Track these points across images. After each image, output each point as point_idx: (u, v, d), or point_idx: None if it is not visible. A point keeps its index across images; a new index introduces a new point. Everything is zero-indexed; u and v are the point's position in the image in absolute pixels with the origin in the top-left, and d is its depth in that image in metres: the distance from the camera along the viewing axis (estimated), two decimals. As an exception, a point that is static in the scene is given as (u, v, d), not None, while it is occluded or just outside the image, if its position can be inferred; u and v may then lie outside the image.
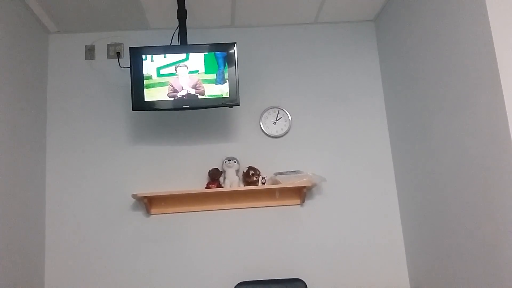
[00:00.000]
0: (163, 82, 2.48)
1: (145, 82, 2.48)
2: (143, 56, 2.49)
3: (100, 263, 2.67)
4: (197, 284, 2.67)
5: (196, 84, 2.48)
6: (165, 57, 2.50)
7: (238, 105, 2.52)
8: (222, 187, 2.69)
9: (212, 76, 2.49)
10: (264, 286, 2.60)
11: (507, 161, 1.70)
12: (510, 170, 1.69)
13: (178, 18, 2.61)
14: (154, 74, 2.49)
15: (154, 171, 2.79)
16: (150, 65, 2.49)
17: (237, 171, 2.72)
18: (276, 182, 2.64)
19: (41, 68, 2.78)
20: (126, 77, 2.86)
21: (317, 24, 3.01)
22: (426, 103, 2.35)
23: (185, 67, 2.49)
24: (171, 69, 2.49)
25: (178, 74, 2.49)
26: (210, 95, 2.47)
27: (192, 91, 2.48)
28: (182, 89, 2.48)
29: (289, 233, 2.75)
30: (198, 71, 2.50)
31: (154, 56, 2.49)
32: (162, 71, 2.49)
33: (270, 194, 2.77)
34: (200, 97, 2.48)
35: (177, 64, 2.50)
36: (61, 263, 2.66)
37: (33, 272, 2.51)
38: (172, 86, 2.48)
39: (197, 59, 2.50)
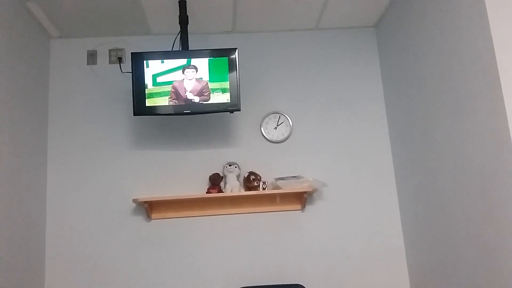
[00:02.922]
0: (159, 92, 2.47)
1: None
2: (144, 62, 2.49)
3: (100, 267, 2.66)
4: (198, 289, 2.67)
5: (203, 89, 2.46)
6: (162, 62, 2.49)
7: (239, 110, 2.52)
8: (222, 192, 2.69)
9: (220, 85, 2.48)
10: (265, 291, 2.59)
11: (507, 165, 1.70)
12: (510, 173, 1.69)
13: (179, 24, 2.61)
14: (149, 82, 2.48)
15: (154, 176, 2.79)
16: (145, 71, 2.48)
17: (238, 176, 2.72)
18: (277, 187, 2.64)
19: (43, 72, 2.79)
20: (127, 82, 2.87)
21: (318, 30, 3.02)
22: (427, 108, 2.35)
23: (194, 70, 2.48)
24: (171, 76, 2.48)
25: (185, 77, 2.48)
26: (213, 102, 2.48)
27: (196, 99, 2.47)
28: (186, 95, 2.47)
29: (289, 238, 2.75)
30: (202, 78, 2.49)
31: (150, 62, 2.49)
32: (159, 79, 2.48)
33: (270, 199, 2.77)
34: (203, 102, 2.47)
35: (187, 65, 2.49)
36: (62, 268, 2.65)
37: (34, 277, 2.51)
38: (175, 90, 2.47)
39: (200, 66, 2.50)
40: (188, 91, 2.47)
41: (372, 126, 2.91)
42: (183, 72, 2.48)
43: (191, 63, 2.48)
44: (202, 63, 2.49)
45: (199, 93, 2.48)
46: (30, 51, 2.62)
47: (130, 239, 2.70)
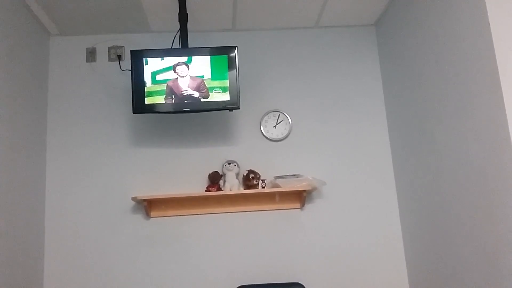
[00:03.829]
0: (158, 91, 2.46)
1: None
2: (144, 59, 2.49)
3: (99, 266, 2.66)
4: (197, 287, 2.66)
5: (200, 87, 2.46)
6: (162, 59, 2.48)
7: (239, 109, 2.52)
8: (222, 190, 2.69)
9: (220, 83, 2.47)
10: (264, 290, 2.59)
11: (507, 165, 1.70)
12: (510, 173, 1.69)
13: (179, 21, 2.61)
14: (149, 80, 2.47)
15: (154, 174, 2.78)
16: (145, 69, 2.47)
17: (237, 175, 2.72)
18: (276, 186, 2.64)
19: (42, 70, 2.78)
20: (127, 79, 2.86)
21: (318, 28, 3.02)
22: (427, 107, 2.35)
23: (186, 66, 2.47)
24: (168, 75, 2.47)
25: (178, 75, 2.47)
26: (212, 100, 2.47)
27: (196, 94, 2.46)
28: (182, 93, 2.46)
29: (288, 237, 2.75)
30: (203, 76, 2.49)
31: (149, 59, 2.48)
32: (158, 77, 2.47)
33: (270, 197, 2.77)
34: (202, 100, 2.47)
35: (177, 63, 2.48)
36: (60, 266, 2.65)
37: (32, 275, 2.51)
38: (169, 89, 2.46)
39: (201, 63, 2.49)
40: (185, 88, 2.46)
41: (372, 125, 2.91)
42: (174, 71, 2.47)
43: (191, 61, 2.48)
44: (203, 61, 2.49)
45: (196, 90, 2.47)
46: (29, 48, 2.61)
47: (129, 237, 2.70)
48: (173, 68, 2.47)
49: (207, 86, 2.47)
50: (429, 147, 2.35)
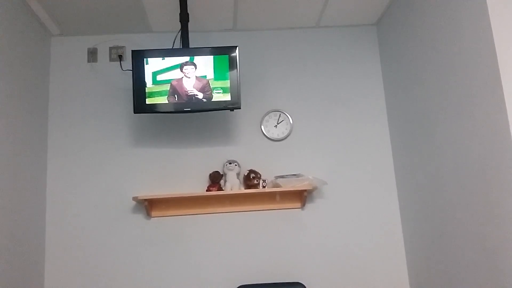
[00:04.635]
0: (159, 91, 2.47)
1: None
2: (145, 59, 2.49)
3: (100, 266, 2.67)
4: (197, 287, 2.66)
5: (205, 88, 2.45)
6: (163, 59, 2.48)
7: (240, 108, 2.52)
8: (222, 190, 2.69)
9: (222, 83, 2.47)
10: (264, 289, 2.59)
11: (508, 164, 1.70)
12: (510, 173, 1.68)
13: (180, 21, 2.61)
14: (149, 81, 2.47)
15: (154, 173, 2.79)
16: (145, 69, 2.47)
17: (238, 174, 2.72)
18: (277, 186, 2.64)
19: (43, 70, 2.79)
20: (128, 80, 2.87)
21: (319, 28, 3.02)
22: (428, 106, 2.35)
23: (193, 66, 2.47)
24: (171, 74, 2.47)
25: (184, 74, 2.47)
26: (213, 100, 2.47)
27: (200, 95, 2.46)
28: (186, 92, 2.46)
29: (289, 237, 2.75)
30: (206, 76, 2.49)
31: (150, 59, 2.47)
32: (160, 77, 2.47)
33: (270, 197, 2.77)
34: (205, 100, 2.47)
35: (185, 62, 2.48)
36: (61, 266, 2.66)
37: (33, 275, 2.51)
38: (173, 89, 2.47)
39: (205, 63, 2.49)
40: (189, 88, 2.47)
41: (373, 124, 2.91)
42: (181, 70, 2.47)
43: (193, 61, 2.48)
44: (206, 61, 2.48)
45: (201, 91, 2.47)
46: (31, 48, 2.62)
47: (130, 237, 2.71)
48: (180, 67, 2.47)
49: (211, 87, 2.47)
50: (430, 147, 2.35)
